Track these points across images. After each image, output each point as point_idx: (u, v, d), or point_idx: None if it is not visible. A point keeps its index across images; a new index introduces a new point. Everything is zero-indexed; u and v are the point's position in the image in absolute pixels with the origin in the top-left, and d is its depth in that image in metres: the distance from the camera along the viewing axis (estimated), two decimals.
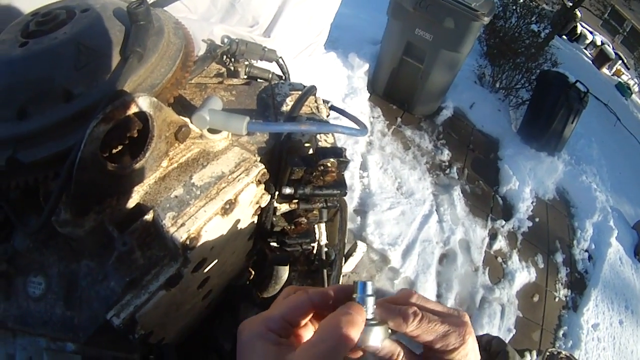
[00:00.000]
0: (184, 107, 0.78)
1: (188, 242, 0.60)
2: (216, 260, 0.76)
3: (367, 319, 0.44)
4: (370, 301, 0.45)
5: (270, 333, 0.43)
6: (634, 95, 10.11)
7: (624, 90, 9.59)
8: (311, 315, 0.47)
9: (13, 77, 0.59)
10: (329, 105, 0.99)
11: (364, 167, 3.89)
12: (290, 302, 0.46)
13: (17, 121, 0.58)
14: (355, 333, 0.41)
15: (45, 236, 0.64)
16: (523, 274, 3.88)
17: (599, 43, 11.41)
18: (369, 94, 4.65)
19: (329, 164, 0.76)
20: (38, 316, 0.61)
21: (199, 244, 0.62)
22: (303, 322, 0.46)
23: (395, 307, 0.47)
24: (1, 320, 0.60)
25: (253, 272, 1.06)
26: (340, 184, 0.78)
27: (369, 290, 0.46)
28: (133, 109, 0.54)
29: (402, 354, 0.47)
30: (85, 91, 0.60)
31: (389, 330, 0.46)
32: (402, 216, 3.63)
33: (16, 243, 0.64)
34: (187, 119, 0.66)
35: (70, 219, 0.56)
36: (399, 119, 4.73)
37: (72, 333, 0.60)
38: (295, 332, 0.46)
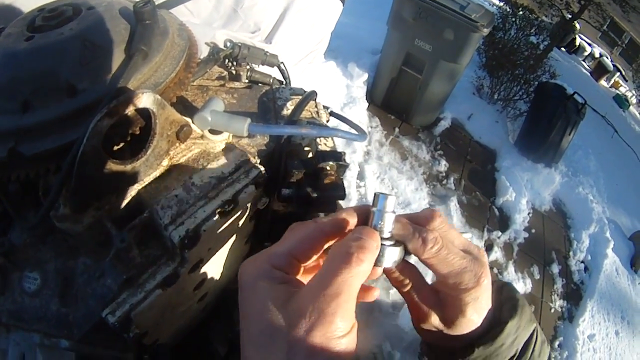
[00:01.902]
0: (185, 107, 0.78)
1: (186, 242, 0.60)
2: (213, 262, 0.76)
3: (383, 237, 0.39)
4: (389, 218, 0.40)
5: (275, 270, 0.38)
6: (631, 107, 10.20)
7: (621, 102, 9.67)
8: (324, 248, 0.41)
9: (18, 70, 0.59)
10: (329, 111, 0.99)
11: (361, 176, 3.90)
12: (296, 234, 0.41)
13: (21, 114, 0.58)
14: (367, 264, 0.36)
15: (43, 232, 0.63)
16: (519, 285, 3.88)
17: (597, 55, 11.51)
18: (367, 104, 4.67)
19: (328, 167, 0.76)
20: (33, 312, 0.60)
21: (196, 244, 0.62)
22: (315, 257, 0.41)
23: (417, 227, 0.42)
24: None
25: None
26: (339, 188, 0.78)
27: (390, 206, 0.40)
28: (137, 105, 0.54)
29: (410, 285, 0.44)
30: (89, 87, 0.60)
31: (404, 252, 0.42)
32: None
33: (13, 237, 0.63)
34: (189, 119, 0.66)
35: (69, 214, 0.56)
36: (397, 129, 4.75)
37: (66, 330, 0.60)
38: (305, 268, 0.41)
